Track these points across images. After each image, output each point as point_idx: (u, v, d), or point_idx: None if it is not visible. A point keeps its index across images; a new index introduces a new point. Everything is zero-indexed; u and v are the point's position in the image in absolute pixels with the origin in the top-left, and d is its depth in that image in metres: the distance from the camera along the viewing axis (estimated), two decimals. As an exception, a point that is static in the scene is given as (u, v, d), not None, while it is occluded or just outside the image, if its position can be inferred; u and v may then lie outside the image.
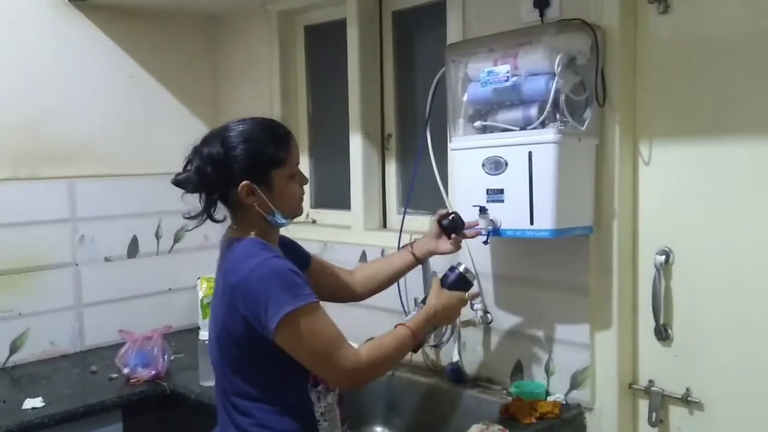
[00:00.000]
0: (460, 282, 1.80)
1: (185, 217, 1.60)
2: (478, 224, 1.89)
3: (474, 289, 1.86)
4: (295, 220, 1.65)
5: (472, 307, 2.13)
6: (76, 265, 2.69)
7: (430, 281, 2.25)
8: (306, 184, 1.65)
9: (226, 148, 1.53)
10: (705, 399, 1.83)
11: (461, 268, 1.81)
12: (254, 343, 1.49)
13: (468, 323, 2.15)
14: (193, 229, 1.62)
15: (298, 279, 1.49)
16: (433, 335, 2.26)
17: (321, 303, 1.52)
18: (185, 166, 1.57)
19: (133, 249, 2.84)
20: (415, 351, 1.80)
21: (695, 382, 1.85)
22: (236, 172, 1.53)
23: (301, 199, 1.64)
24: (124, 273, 2.81)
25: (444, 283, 1.79)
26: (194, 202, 1.59)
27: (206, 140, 1.57)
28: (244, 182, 1.53)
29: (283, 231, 1.67)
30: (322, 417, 1.57)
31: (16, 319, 2.55)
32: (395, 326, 1.65)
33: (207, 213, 1.58)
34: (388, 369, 1.66)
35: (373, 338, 1.63)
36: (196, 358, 2.30)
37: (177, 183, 1.57)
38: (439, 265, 2.17)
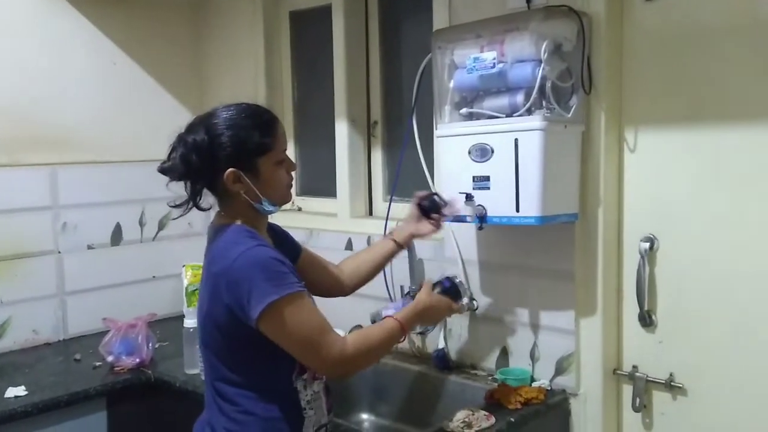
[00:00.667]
0: (452, 290, 1.79)
1: (170, 206, 1.58)
2: (457, 201, 1.89)
3: (462, 302, 1.83)
4: (281, 207, 1.64)
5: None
6: (59, 252, 2.66)
7: (416, 268, 2.26)
8: (294, 170, 1.63)
9: (210, 136, 1.51)
10: (688, 384, 1.85)
11: (457, 280, 1.82)
12: (238, 331, 1.48)
13: (454, 310, 2.16)
14: (179, 217, 1.60)
15: (283, 267, 1.48)
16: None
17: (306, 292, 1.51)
18: (170, 154, 1.55)
19: (116, 236, 2.82)
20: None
21: (678, 367, 1.87)
22: (222, 160, 1.51)
23: (290, 186, 1.62)
24: (107, 261, 2.79)
25: (435, 287, 1.78)
26: (179, 189, 1.57)
27: (191, 127, 1.55)
28: (230, 170, 1.51)
29: (269, 218, 1.66)
30: (308, 405, 1.56)
31: (-2, 307, 2.52)
32: (383, 318, 1.64)
33: (193, 201, 1.56)
34: (375, 360, 1.65)
35: (360, 326, 1.63)
36: (181, 345, 2.29)
37: (162, 171, 1.55)
38: (424, 249, 2.18)
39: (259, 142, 1.53)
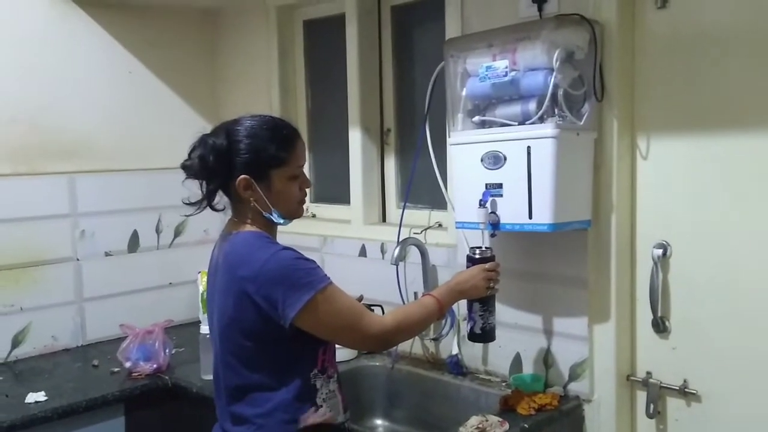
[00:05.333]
0: (479, 260, 1.87)
1: (184, 203, 1.63)
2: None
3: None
4: (291, 221, 1.67)
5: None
6: (77, 260, 2.70)
7: (429, 275, 2.28)
8: (308, 187, 1.69)
9: (230, 141, 1.58)
10: (702, 390, 1.85)
11: (480, 249, 1.89)
12: (268, 332, 1.53)
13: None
14: (192, 214, 1.64)
15: (310, 264, 1.54)
16: (432, 329, 2.28)
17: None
18: (190, 153, 1.61)
19: (133, 243, 2.85)
20: None
21: (692, 373, 1.87)
22: (237, 165, 1.57)
23: (302, 202, 1.67)
24: (124, 267, 2.82)
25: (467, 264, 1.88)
26: (195, 188, 1.63)
27: (214, 131, 1.63)
28: (242, 176, 1.57)
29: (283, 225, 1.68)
30: (324, 403, 1.60)
31: (18, 314, 2.55)
32: (422, 296, 1.79)
33: (207, 201, 1.62)
34: (414, 335, 1.87)
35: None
36: (197, 351, 2.31)
37: (183, 167, 1.62)
38: (437, 255, 2.19)
39: (275, 155, 1.59)
